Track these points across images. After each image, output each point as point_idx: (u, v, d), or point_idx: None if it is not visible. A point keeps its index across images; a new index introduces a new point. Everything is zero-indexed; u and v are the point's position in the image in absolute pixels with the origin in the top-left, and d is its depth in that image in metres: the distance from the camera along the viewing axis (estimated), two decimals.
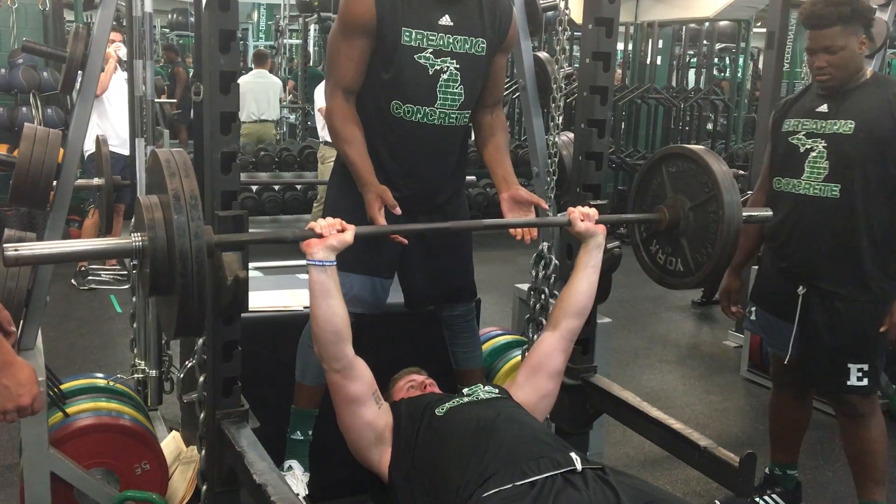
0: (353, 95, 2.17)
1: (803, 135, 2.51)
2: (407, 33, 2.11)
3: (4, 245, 1.42)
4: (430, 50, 2.13)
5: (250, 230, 1.91)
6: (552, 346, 2.12)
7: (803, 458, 2.99)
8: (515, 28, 2.29)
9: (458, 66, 2.17)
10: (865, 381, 2.49)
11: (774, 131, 2.65)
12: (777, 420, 2.85)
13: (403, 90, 2.15)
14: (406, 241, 2.10)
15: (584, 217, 2.08)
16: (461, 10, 2.15)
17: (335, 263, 1.81)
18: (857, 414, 2.55)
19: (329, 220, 1.83)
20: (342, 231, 1.81)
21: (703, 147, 2.19)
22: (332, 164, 2.39)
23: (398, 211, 2.06)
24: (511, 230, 2.13)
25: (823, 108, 2.49)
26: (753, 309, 2.79)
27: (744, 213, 2.09)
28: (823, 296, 2.50)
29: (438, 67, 2.15)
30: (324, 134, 6.28)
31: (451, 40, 2.15)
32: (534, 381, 2.11)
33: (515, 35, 2.31)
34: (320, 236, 1.80)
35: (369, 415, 1.92)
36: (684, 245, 2.17)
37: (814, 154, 2.47)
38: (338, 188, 2.29)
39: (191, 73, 10.12)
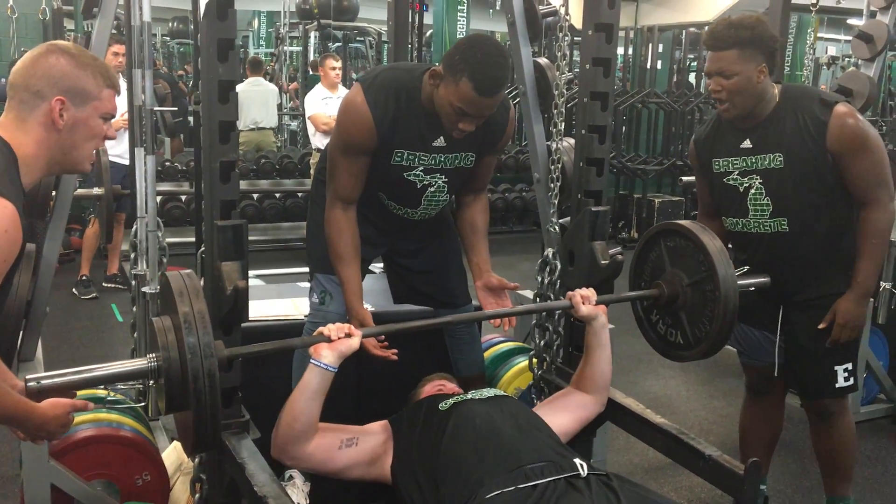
0: (353, 204, 2.21)
1: (737, 174, 2.43)
2: (399, 154, 2.15)
3: (27, 379, 1.53)
4: (421, 168, 2.19)
5: (250, 238, 1.91)
6: (581, 397, 2.20)
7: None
8: (510, 131, 2.32)
9: (446, 179, 2.24)
10: (851, 381, 2.49)
11: (703, 170, 2.55)
12: (749, 432, 2.79)
13: (390, 192, 2.26)
14: (396, 358, 2.11)
15: (584, 299, 2.12)
16: None
17: (336, 371, 1.84)
18: (830, 413, 2.54)
19: (338, 324, 1.86)
20: (349, 336, 1.84)
21: (696, 223, 2.19)
22: None
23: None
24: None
25: (747, 143, 2.40)
26: None
27: (740, 283, 2.12)
28: (802, 308, 2.48)
29: (427, 182, 2.22)
30: (315, 141, 6.27)
31: (441, 158, 2.20)
32: (555, 414, 2.13)
33: (508, 138, 2.36)
34: (329, 340, 1.83)
35: (347, 459, 1.94)
36: (683, 319, 2.19)
37: (753, 191, 2.40)
38: (320, 208, 2.30)
39: (190, 83, 10.13)
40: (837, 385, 2.47)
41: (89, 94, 1.54)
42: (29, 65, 1.53)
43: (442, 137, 2.16)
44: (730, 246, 2.51)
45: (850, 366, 2.48)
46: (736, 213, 2.47)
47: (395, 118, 2.10)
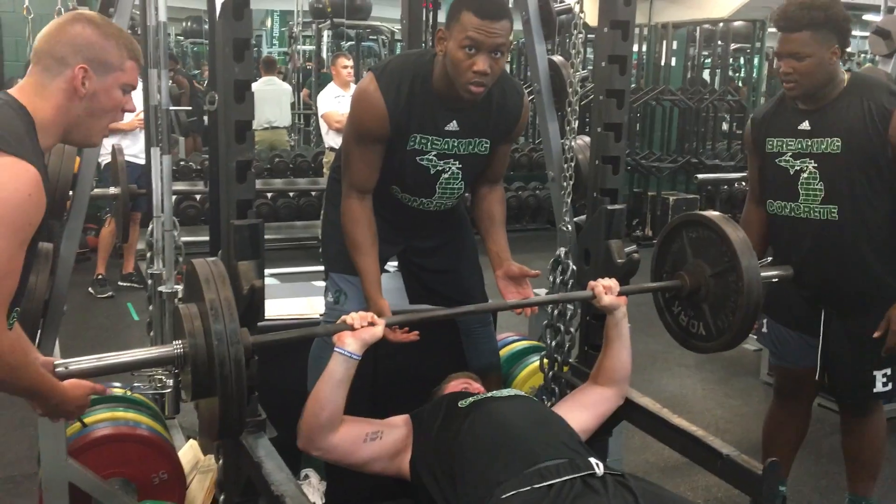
0: (369, 193, 2.19)
1: (790, 156, 2.38)
2: (413, 138, 2.14)
3: (55, 363, 1.57)
4: (434, 153, 2.18)
5: (264, 236, 1.91)
6: (601, 392, 2.17)
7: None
8: (525, 119, 2.31)
9: (460, 166, 2.22)
10: (890, 386, 2.45)
11: (757, 149, 2.51)
12: (774, 435, 2.75)
13: (403, 182, 2.23)
14: (417, 338, 2.09)
15: (606, 290, 2.10)
16: (470, 114, 2.15)
17: (360, 359, 1.84)
18: (863, 412, 2.53)
19: (361, 313, 1.86)
20: (373, 324, 1.84)
21: (719, 214, 2.16)
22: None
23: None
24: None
25: (805, 125, 2.34)
26: (765, 321, 2.70)
27: (764, 274, 2.09)
28: (843, 313, 2.43)
29: (440, 168, 2.20)
30: (328, 139, 6.27)
31: (455, 143, 2.18)
32: (574, 412, 2.11)
33: (523, 126, 2.35)
34: (352, 328, 1.83)
35: (371, 452, 1.94)
36: (706, 311, 2.16)
37: (805, 175, 2.34)
38: (335, 207, 2.29)
39: (205, 82, 10.15)
40: (875, 390, 2.44)
41: (112, 65, 1.54)
42: (54, 32, 1.54)
43: (455, 122, 2.15)
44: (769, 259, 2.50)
45: (889, 371, 2.43)
46: (785, 197, 2.40)
47: (408, 103, 2.10)
